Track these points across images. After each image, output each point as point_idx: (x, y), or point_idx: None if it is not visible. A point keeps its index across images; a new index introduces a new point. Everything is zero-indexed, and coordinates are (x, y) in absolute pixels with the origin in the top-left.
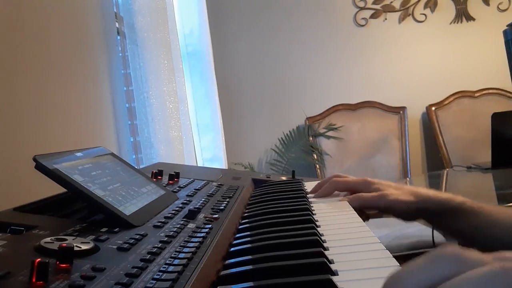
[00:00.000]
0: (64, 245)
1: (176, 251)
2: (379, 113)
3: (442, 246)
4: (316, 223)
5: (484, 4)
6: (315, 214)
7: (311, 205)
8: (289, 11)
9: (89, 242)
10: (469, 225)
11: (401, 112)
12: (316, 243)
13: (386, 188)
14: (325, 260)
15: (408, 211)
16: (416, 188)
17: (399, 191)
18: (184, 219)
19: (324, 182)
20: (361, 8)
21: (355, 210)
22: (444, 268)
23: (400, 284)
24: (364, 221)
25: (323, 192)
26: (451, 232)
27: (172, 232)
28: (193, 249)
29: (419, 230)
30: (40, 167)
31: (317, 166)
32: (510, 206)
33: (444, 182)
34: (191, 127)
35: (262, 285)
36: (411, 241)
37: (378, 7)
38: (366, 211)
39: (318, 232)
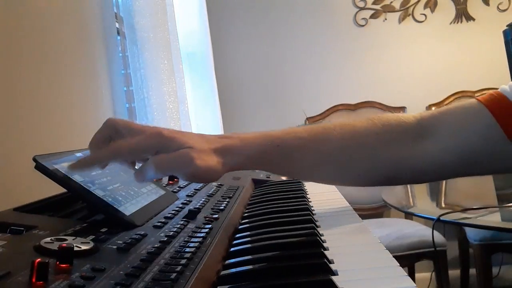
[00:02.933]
0: (64, 245)
1: (176, 251)
2: (379, 113)
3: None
4: (316, 223)
5: (484, 4)
6: (315, 214)
7: (311, 205)
8: (289, 11)
9: (89, 242)
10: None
11: (401, 112)
12: (316, 243)
13: (190, 142)
14: (325, 261)
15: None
16: (224, 140)
17: (206, 147)
18: (184, 219)
19: (98, 141)
20: (361, 8)
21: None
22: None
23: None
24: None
25: (93, 160)
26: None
27: (172, 232)
28: (193, 249)
29: (419, 230)
30: (40, 167)
31: None
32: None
33: (444, 182)
34: (191, 127)
35: (262, 286)
36: (411, 241)
37: (378, 7)
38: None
39: (318, 232)
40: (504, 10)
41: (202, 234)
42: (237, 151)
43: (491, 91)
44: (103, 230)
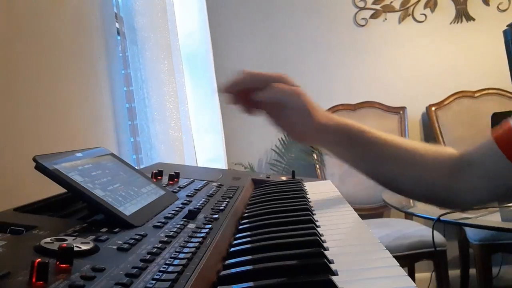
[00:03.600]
0: (64, 245)
1: (176, 251)
2: (379, 113)
3: None
4: (316, 223)
5: (484, 4)
6: (315, 214)
7: (311, 205)
8: (289, 11)
9: (89, 242)
10: (369, 155)
11: (401, 112)
12: (316, 243)
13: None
14: (325, 261)
15: (312, 123)
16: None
17: (311, 100)
18: (184, 219)
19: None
20: (361, 8)
21: (268, 103)
22: None
23: None
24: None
25: (233, 83)
26: (352, 161)
27: (172, 232)
28: (193, 249)
29: (419, 230)
30: (40, 167)
31: (317, 166)
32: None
33: None
34: (191, 127)
35: (262, 285)
36: (411, 241)
37: (378, 7)
38: (275, 111)
39: (318, 232)
40: (504, 10)
41: (202, 234)
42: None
43: (508, 124)
44: (103, 230)
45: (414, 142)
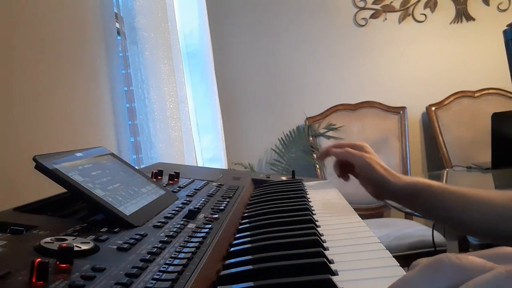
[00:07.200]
0: (64, 245)
1: (176, 251)
2: (379, 113)
3: (437, 256)
4: (316, 223)
5: (484, 4)
6: (315, 214)
7: (311, 205)
8: (289, 11)
9: (89, 242)
10: (438, 206)
11: (401, 112)
12: (316, 243)
13: (373, 155)
14: (325, 260)
15: (377, 181)
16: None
17: (380, 163)
18: (184, 219)
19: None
20: (361, 8)
21: (340, 163)
22: (444, 279)
23: None
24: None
25: (325, 151)
26: (422, 212)
27: (172, 232)
28: (193, 249)
29: (419, 230)
30: (40, 167)
31: (317, 166)
32: None
33: (444, 182)
34: (191, 127)
35: (262, 285)
36: (411, 241)
37: (378, 7)
38: (347, 169)
39: (318, 232)
40: (504, 10)
41: (202, 234)
42: (396, 173)
43: None
44: (103, 230)
45: (481, 190)
